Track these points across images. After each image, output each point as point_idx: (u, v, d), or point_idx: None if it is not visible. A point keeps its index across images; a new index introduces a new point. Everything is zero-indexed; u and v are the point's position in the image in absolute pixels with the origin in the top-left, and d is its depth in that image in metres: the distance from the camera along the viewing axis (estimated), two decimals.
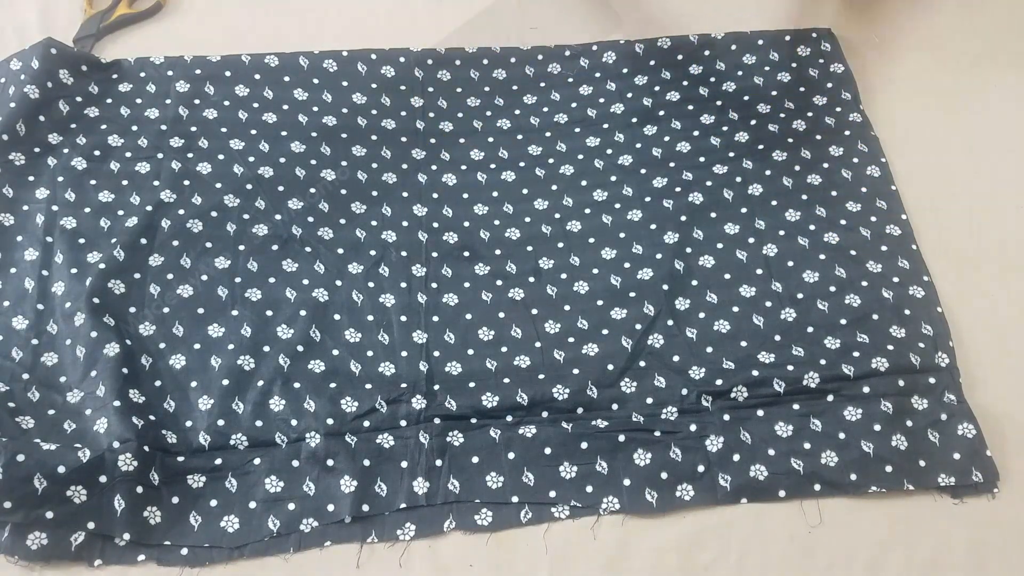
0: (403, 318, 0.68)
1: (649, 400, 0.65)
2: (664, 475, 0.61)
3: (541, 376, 0.66)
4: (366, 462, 0.62)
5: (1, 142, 0.74)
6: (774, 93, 0.73)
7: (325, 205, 0.74)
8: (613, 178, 0.76)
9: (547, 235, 0.73)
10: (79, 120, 0.77)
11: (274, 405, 0.64)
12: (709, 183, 0.75)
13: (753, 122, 0.79)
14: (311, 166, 0.76)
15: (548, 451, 0.62)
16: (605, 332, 0.68)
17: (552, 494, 0.61)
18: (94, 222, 0.71)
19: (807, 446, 0.62)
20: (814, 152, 0.77)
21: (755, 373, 0.65)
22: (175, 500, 0.60)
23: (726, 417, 0.64)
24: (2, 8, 0.85)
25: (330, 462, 0.61)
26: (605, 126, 0.80)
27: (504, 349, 0.67)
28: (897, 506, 0.60)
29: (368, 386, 0.65)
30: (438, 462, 0.62)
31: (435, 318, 0.69)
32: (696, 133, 0.79)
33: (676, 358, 0.66)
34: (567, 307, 0.69)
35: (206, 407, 0.63)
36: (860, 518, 0.60)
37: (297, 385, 0.65)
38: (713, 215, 0.74)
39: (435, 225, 0.74)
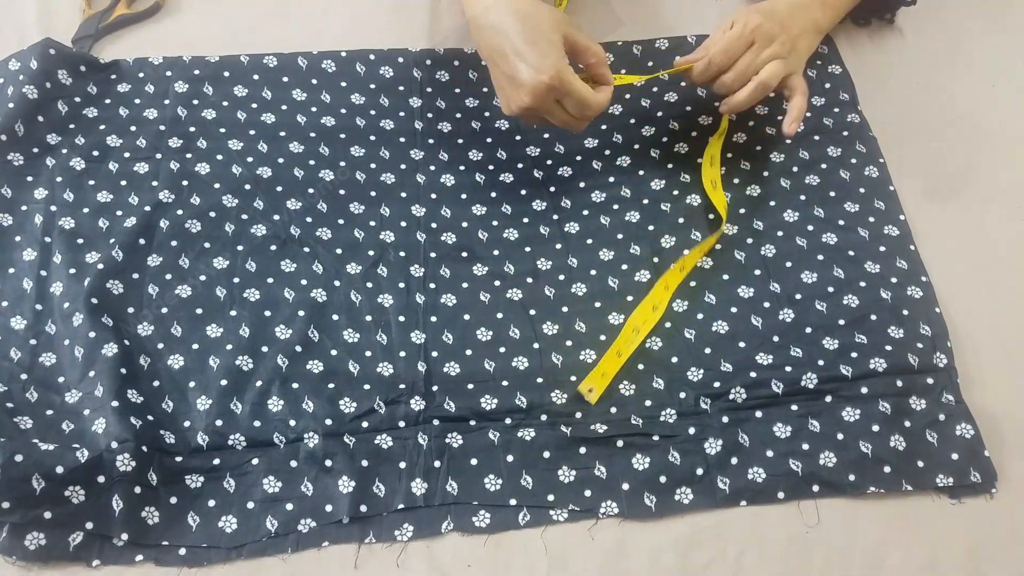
0: (401, 318, 0.68)
1: (648, 403, 0.65)
2: (663, 479, 0.61)
3: (539, 380, 0.66)
4: (364, 463, 0.62)
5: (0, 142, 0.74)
6: (771, 94, 0.73)
7: (324, 205, 0.74)
8: (611, 179, 0.76)
9: (545, 236, 0.73)
10: (78, 120, 0.77)
11: (272, 405, 0.63)
12: None
13: (751, 123, 0.79)
14: (310, 166, 0.76)
15: (547, 455, 0.62)
16: (603, 338, 0.67)
17: (551, 498, 0.61)
18: (93, 222, 0.71)
19: (805, 447, 0.62)
20: (812, 153, 0.77)
21: (753, 374, 0.65)
22: (173, 500, 0.60)
23: (724, 419, 0.64)
24: (1, 8, 0.85)
25: (328, 462, 0.61)
26: (603, 127, 0.80)
27: (502, 350, 0.67)
28: (895, 506, 0.60)
29: (366, 387, 0.65)
30: (436, 463, 0.62)
31: (433, 318, 0.69)
32: (694, 134, 0.78)
33: (675, 360, 0.66)
34: (564, 308, 0.69)
35: (204, 407, 0.63)
36: (858, 518, 0.60)
37: (295, 385, 0.65)
38: (711, 216, 0.74)
39: (433, 225, 0.73)
